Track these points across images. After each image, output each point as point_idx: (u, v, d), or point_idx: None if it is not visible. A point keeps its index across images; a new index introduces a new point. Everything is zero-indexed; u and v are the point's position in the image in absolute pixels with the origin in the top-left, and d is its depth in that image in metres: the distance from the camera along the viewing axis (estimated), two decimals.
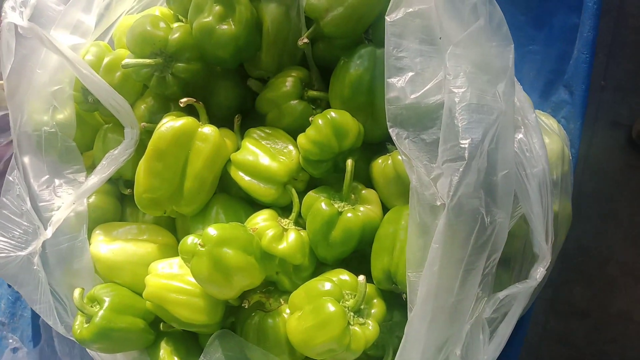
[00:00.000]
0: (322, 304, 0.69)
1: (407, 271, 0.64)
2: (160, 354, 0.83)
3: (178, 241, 0.91)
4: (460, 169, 0.57)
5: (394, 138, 0.64)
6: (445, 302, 0.59)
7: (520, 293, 0.70)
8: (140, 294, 0.83)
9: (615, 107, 1.94)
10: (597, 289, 1.87)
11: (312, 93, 0.83)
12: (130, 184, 0.93)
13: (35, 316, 1.26)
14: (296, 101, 0.82)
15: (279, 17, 0.81)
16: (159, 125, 0.80)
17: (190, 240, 0.69)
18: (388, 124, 0.64)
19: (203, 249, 0.67)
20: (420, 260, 0.63)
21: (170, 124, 0.78)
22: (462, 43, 0.60)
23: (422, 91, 0.62)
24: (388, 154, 0.77)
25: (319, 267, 0.82)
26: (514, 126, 0.61)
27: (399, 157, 0.75)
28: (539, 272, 0.69)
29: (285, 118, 0.84)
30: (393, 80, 0.64)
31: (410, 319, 0.60)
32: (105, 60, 0.85)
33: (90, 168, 0.93)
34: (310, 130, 0.73)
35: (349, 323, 0.69)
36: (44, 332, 1.23)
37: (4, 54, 0.77)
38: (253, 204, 0.87)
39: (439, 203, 0.61)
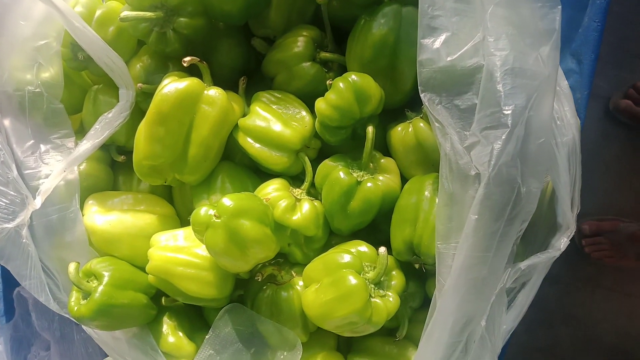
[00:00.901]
0: (342, 277, 0.66)
1: (436, 242, 0.61)
2: (163, 329, 0.79)
3: (176, 211, 0.86)
4: (503, 137, 0.54)
5: (425, 103, 0.61)
6: (479, 274, 0.58)
7: (541, 263, 0.69)
8: (140, 268, 0.78)
9: (594, 78, 1.95)
10: (567, 255, 1.92)
11: (326, 55, 0.78)
12: (122, 150, 0.87)
13: (7, 289, 1.18)
14: (308, 63, 0.77)
15: None
16: (160, 87, 0.73)
17: (204, 211, 0.64)
18: (420, 88, 0.60)
19: (219, 221, 0.63)
20: (450, 231, 0.61)
21: (174, 85, 0.72)
22: (504, 2, 0.56)
23: (459, 53, 0.58)
24: (408, 121, 0.74)
25: (331, 238, 0.79)
26: (554, 93, 0.58)
27: (421, 124, 0.72)
28: (562, 242, 0.68)
29: (295, 81, 0.78)
30: (427, 41, 0.59)
31: (444, 292, 0.58)
32: (98, 12, 0.77)
33: (79, 133, 0.86)
34: (330, 95, 0.68)
35: (370, 296, 0.67)
36: (18, 306, 1.16)
37: None
38: (259, 172, 0.82)
39: (473, 173, 0.59)
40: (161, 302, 0.81)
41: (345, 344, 0.84)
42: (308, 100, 0.78)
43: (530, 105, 0.56)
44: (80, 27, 0.71)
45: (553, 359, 1.94)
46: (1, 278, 1.22)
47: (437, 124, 0.60)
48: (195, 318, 0.83)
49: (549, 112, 0.58)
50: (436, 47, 0.59)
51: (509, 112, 0.54)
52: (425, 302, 0.81)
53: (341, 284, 0.66)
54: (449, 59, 0.59)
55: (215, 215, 0.63)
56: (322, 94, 0.73)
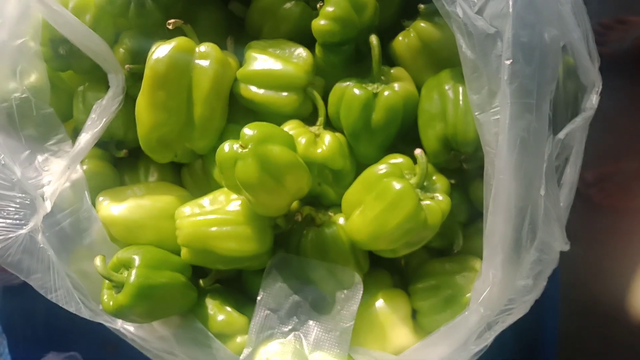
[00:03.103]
0: (386, 185, 0.63)
1: (474, 115, 0.59)
2: (209, 310, 0.73)
3: (191, 195, 0.82)
4: None
5: None
6: (528, 125, 0.55)
7: (579, 128, 0.67)
8: (170, 251, 0.73)
9: None
10: (582, 210, 1.87)
11: None
12: (122, 145, 0.83)
13: None
14: (292, 2, 0.76)
15: None
16: (150, 54, 0.71)
17: (228, 146, 0.60)
18: None
19: (246, 150, 0.59)
20: (485, 98, 0.59)
21: (163, 46, 0.70)
22: None
23: None
24: (407, 29, 0.73)
25: (359, 171, 0.76)
26: None
27: (422, 24, 0.71)
28: (593, 99, 0.67)
29: (283, 25, 0.77)
30: None
31: (499, 151, 0.55)
32: (71, 4, 0.75)
33: (74, 138, 0.82)
34: (326, 8, 0.67)
35: (419, 199, 0.63)
36: None
37: None
38: None
39: (492, 31, 0.57)
40: (199, 286, 0.75)
41: (400, 282, 0.79)
42: (299, 42, 0.76)
43: None
44: (59, 11, 0.68)
45: (597, 318, 1.87)
46: None
47: None
48: (238, 294, 0.77)
49: None
50: None
51: None
52: (472, 217, 0.77)
53: (386, 192, 0.62)
54: None
55: (241, 146, 0.59)
56: (311, 34, 0.72)
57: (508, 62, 0.53)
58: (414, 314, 0.74)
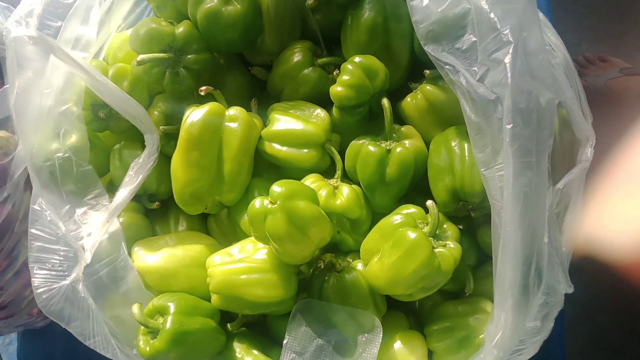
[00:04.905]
0: (402, 235, 0.69)
1: (480, 171, 0.65)
2: (237, 352, 0.77)
3: (218, 242, 0.88)
4: (510, 51, 0.61)
5: (431, 54, 0.67)
6: (529, 180, 0.61)
7: (576, 178, 0.73)
8: (201, 298, 0.78)
9: None
10: None
11: (323, 60, 0.85)
12: (154, 198, 0.90)
13: None
14: (310, 68, 0.84)
15: None
16: (185, 117, 0.78)
17: (259, 202, 0.67)
18: (422, 42, 0.68)
19: (275, 206, 0.65)
20: (489, 156, 0.65)
21: (197, 111, 0.77)
22: None
23: (447, 3, 0.66)
24: (414, 91, 0.80)
25: (375, 220, 0.82)
26: (537, 13, 0.66)
27: (428, 87, 0.78)
28: (588, 152, 0.73)
29: (302, 88, 0.85)
30: (416, 2, 0.68)
31: (504, 205, 0.61)
32: (110, 72, 0.83)
33: (110, 191, 0.89)
34: (342, 77, 0.75)
35: (432, 246, 0.69)
36: None
37: (9, 72, 0.74)
38: None
39: (493, 97, 0.64)
40: (226, 330, 0.80)
41: (415, 324, 0.83)
42: (317, 103, 0.84)
43: (523, 24, 0.63)
44: (102, 81, 0.77)
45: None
46: None
47: (447, 67, 0.66)
48: (264, 338, 0.82)
49: (539, 31, 0.66)
50: (425, 4, 0.67)
51: (508, 30, 0.61)
52: (481, 261, 0.83)
53: (402, 241, 0.68)
54: (439, 10, 0.67)
55: (270, 202, 0.66)
56: (327, 95, 0.80)
57: (509, 126, 0.60)
58: (430, 354, 0.78)
